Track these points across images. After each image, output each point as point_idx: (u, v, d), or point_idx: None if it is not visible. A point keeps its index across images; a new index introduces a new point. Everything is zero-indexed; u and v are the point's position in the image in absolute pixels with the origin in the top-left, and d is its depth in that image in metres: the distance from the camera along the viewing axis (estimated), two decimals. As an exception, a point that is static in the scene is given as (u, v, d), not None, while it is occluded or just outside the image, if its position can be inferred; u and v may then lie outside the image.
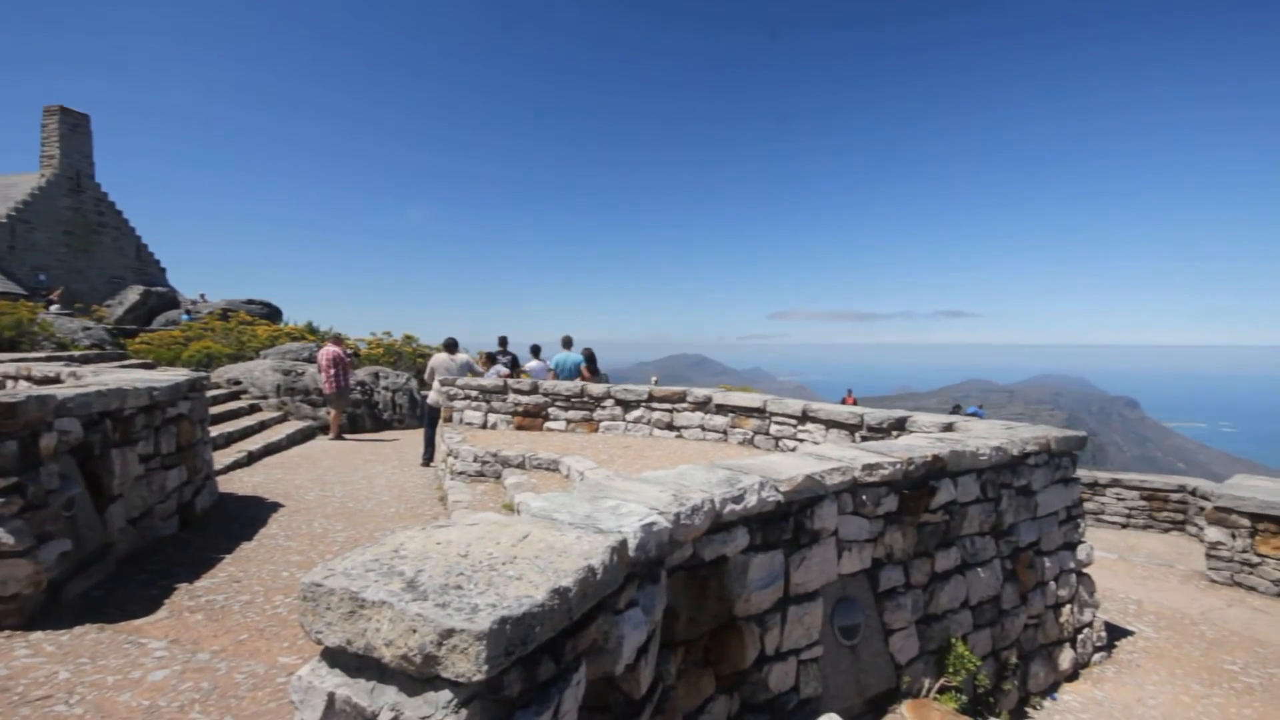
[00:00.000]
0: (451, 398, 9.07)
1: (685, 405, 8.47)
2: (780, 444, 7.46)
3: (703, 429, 8.31)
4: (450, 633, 1.30)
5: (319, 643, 1.45)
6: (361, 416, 12.92)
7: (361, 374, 13.66)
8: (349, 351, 11.56)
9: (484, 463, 6.94)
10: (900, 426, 6.07)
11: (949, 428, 5.45)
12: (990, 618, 4.12)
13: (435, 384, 9.25)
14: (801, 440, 7.18)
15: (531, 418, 8.88)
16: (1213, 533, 6.74)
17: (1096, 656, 4.91)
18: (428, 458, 9.00)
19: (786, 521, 2.90)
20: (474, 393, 9.01)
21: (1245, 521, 6.51)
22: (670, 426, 8.53)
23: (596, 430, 8.75)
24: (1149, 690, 4.45)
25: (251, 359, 14.17)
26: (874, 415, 6.34)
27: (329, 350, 10.88)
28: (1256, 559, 6.43)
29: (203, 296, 24.68)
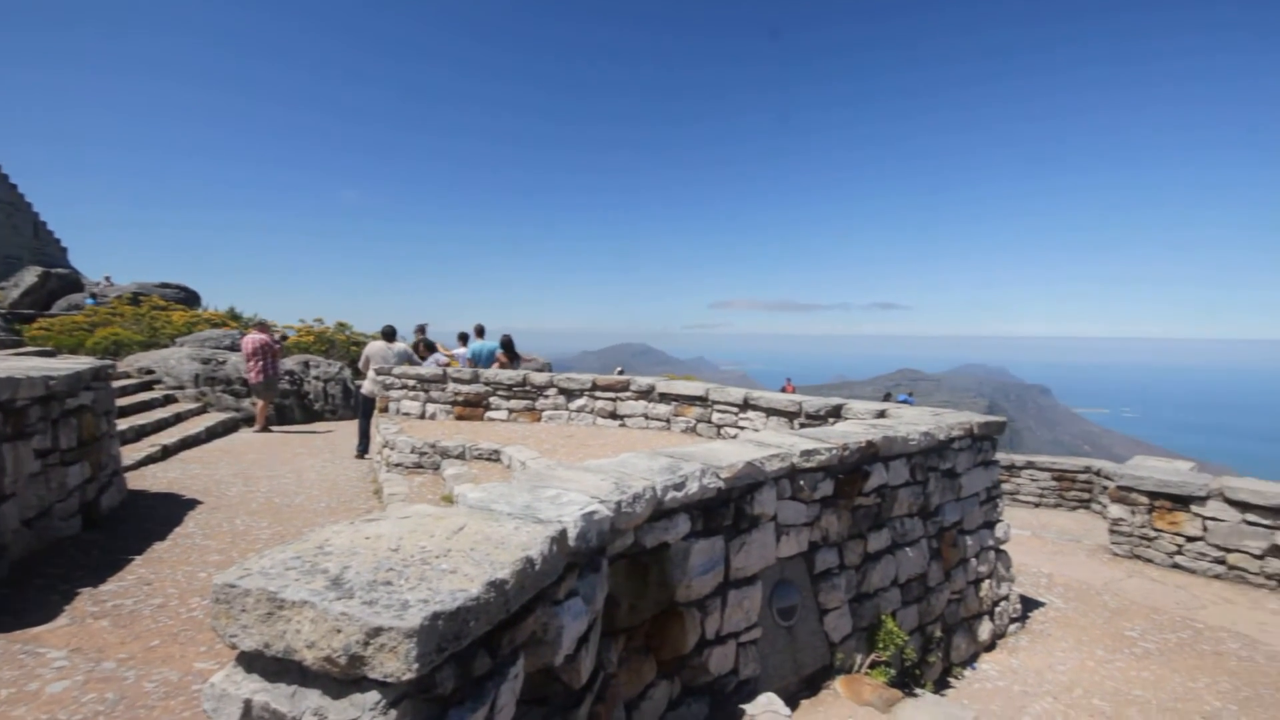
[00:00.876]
0: (388, 387, 8.75)
1: (629, 394, 8.48)
2: (722, 431, 7.57)
3: (646, 417, 8.34)
4: (378, 631, 1.24)
5: (233, 647, 1.36)
6: (290, 407, 12.33)
7: (290, 363, 13.01)
8: (277, 338, 10.97)
9: (422, 454, 6.74)
10: (837, 414, 6.26)
11: (882, 415, 5.66)
12: (917, 594, 4.32)
13: (370, 373, 8.90)
14: (743, 428, 7.31)
15: (472, 407, 8.69)
16: (1115, 510, 7.30)
17: (1012, 627, 5.24)
18: (362, 449, 8.67)
19: (727, 507, 2.93)
20: (411, 382, 8.72)
21: (1143, 499, 7.07)
22: (614, 415, 8.52)
23: (539, 420, 8.64)
24: (1058, 657, 4.78)
25: (166, 346, 13.25)
26: (812, 403, 6.52)
27: (255, 337, 10.30)
28: (1153, 533, 7.00)
29: (108, 279, 22.85)
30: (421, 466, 6.72)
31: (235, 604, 1.35)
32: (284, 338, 15.74)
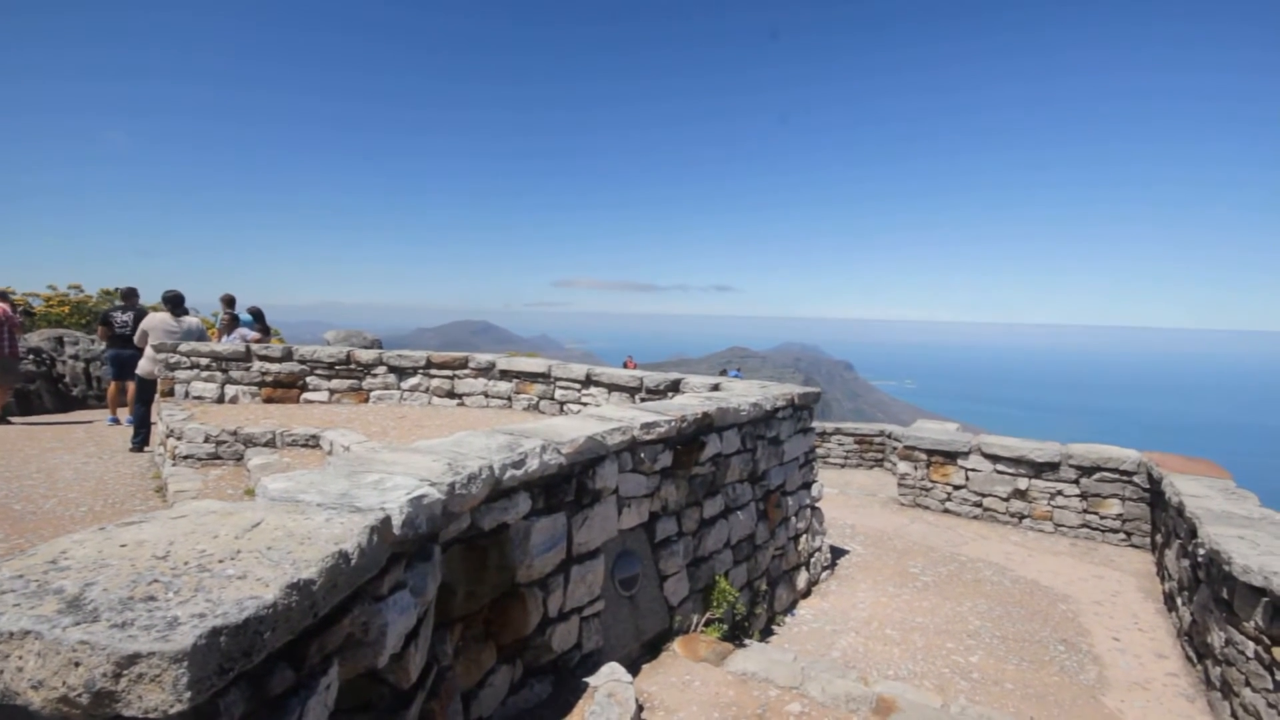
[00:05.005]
0: (172, 366, 7.47)
1: (468, 371, 8.09)
2: (565, 408, 7.52)
3: (486, 395, 8.02)
4: (134, 659, 1.00)
5: (-87, 702, 1.02)
6: (37, 394, 10.09)
7: (36, 339, 10.62)
8: (18, 310, 8.86)
9: (220, 443, 5.85)
10: (675, 388, 6.49)
11: (716, 388, 5.96)
12: (747, 553, 4.64)
13: (148, 350, 7.53)
14: (586, 404, 7.31)
15: (285, 389, 7.72)
16: (902, 466, 8.47)
17: (824, 574, 5.87)
18: (140, 441, 7.32)
19: (569, 483, 2.88)
20: (205, 360, 7.52)
21: (923, 456, 8.28)
22: (452, 394, 8.08)
23: (367, 401, 7.93)
24: (860, 596, 5.44)
25: None
26: (652, 378, 6.69)
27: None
28: (930, 484, 8.24)
29: None
30: (220, 458, 5.83)
31: (-88, 647, 1.01)
32: (30, 311, 12.83)
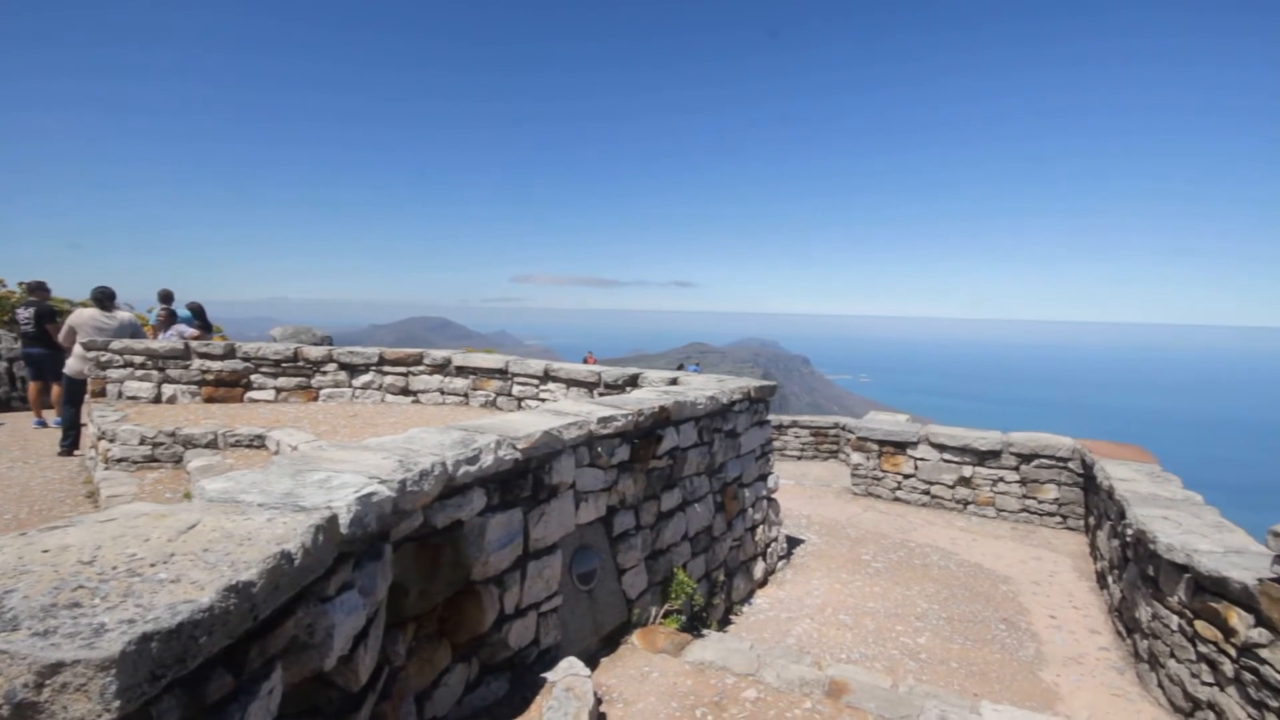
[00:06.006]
0: (104, 365, 7.08)
1: (422, 368, 7.92)
2: (523, 404, 7.45)
3: (442, 393, 7.88)
4: (57, 667, 0.95)
5: None
6: (-47, 395, 9.43)
7: (-50, 337, 9.92)
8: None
9: (157, 445, 5.59)
10: (633, 382, 6.51)
11: (674, 382, 6.00)
12: (704, 545, 4.69)
13: (77, 348, 7.12)
14: (544, 400, 7.26)
15: (228, 387, 7.42)
16: (855, 457, 8.70)
17: (780, 564, 5.99)
18: (69, 444, 6.93)
19: (525, 478, 2.86)
20: (140, 359, 7.16)
21: (875, 446, 8.53)
22: (406, 391, 7.91)
23: (316, 399, 7.69)
24: (814, 584, 5.58)
25: None
26: (610, 373, 6.69)
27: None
28: (882, 474, 8.49)
29: None
30: (157, 461, 5.57)
31: None
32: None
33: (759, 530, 5.64)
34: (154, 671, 1.03)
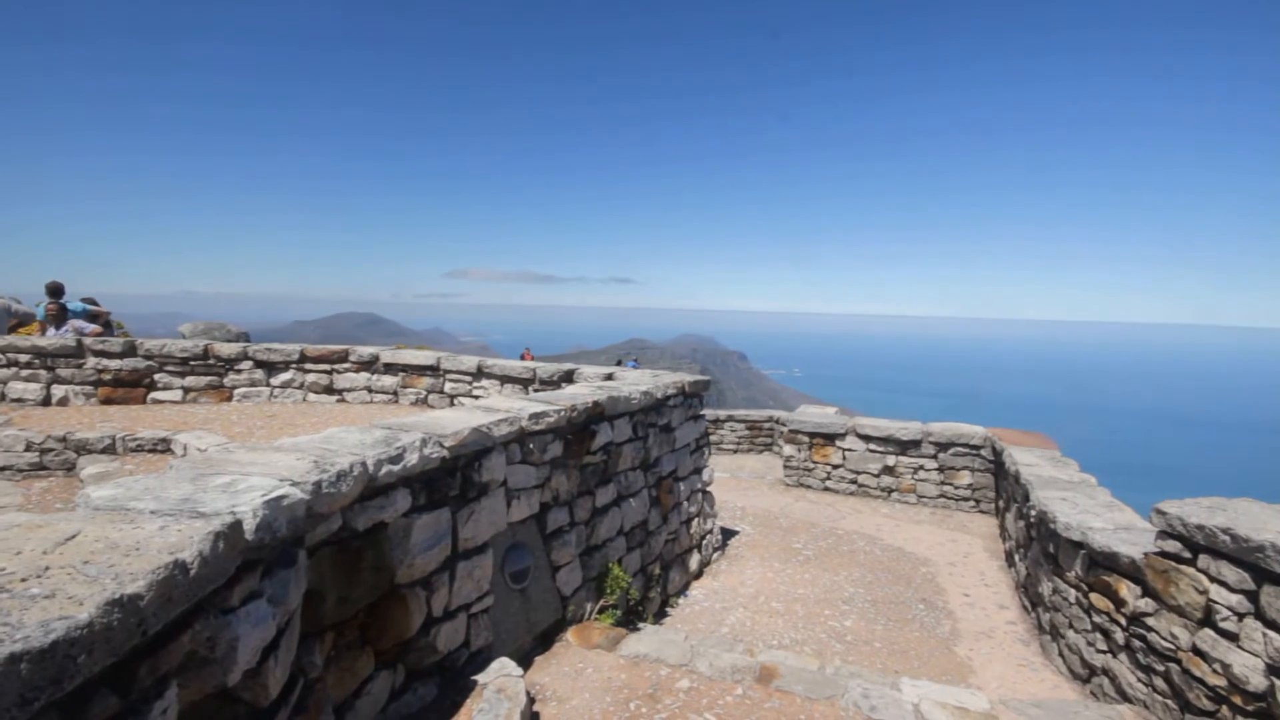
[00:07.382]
0: (-17, 366, 6.43)
1: (348, 365, 7.59)
2: (456, 401, 7.26)
3: (370, 391, 7.58)
4: (-102, 701, 0.84)
5: None
6: None
7: None
8: None
9: (45, 451, 5.11)
10: (569, 378, 6.46)
11: (609, 378, 5.99)
12: (640, 540, 4.72)
13: (-50, 347, 6.42)
14: (477, 396, 7.10)
15: (128, 388, 6.87)
16: (787, 449, 8.96)
17: (715, 555, 6.09)
18: (-59, 453, 6.24)
19: (453, 477, 2.78)
20: (25, 357, 6.53)
21: (805, 439, 8.80)
22: (330, 390, 7.56)
23: (230, 399, 7.24)
24: (748, 573, 5.71)
25: None
26: (546, 369, 6.62)
27: None
28: (813, 465, 8.78)
29: None
30: (46, 468, 5.10)
31: None
32: None
33: (694, 523, 5.72)
34: (24, 695, 0.94)
